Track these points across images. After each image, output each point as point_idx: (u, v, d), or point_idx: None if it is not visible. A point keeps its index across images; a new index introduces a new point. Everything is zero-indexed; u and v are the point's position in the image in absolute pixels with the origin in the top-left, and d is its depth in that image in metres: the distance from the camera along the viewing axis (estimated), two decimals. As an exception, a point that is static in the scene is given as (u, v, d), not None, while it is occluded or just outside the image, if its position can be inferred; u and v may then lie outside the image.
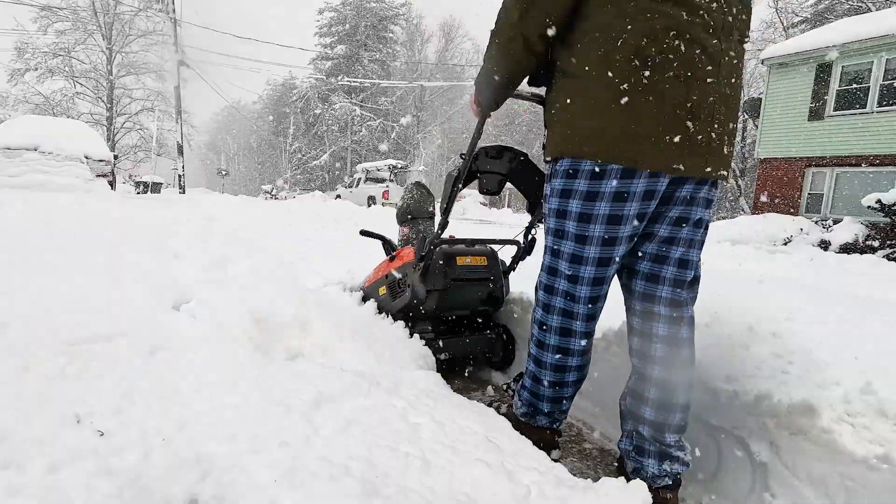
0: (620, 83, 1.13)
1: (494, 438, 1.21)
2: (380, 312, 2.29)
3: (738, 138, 22.00)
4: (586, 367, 1.46)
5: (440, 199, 2.11)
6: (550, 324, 1.40)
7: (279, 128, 42.68)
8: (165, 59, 24.95)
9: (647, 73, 1.12)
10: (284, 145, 41.57)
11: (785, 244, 9.93)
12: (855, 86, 12.09)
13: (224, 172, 34.61)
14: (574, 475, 1.12)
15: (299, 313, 1.81)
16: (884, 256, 8.45)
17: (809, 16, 21.53)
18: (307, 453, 1.01)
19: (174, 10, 20.19)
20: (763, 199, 13.59)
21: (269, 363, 1.45)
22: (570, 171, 1.26)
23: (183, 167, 20.62)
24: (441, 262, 2.11)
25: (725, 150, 1.23)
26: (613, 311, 1.89)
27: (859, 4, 19.13)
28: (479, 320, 2.41)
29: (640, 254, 1.34)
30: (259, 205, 10.95)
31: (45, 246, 2.59)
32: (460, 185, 1.89)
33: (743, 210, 20.23)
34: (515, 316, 2.43)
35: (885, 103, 11.57)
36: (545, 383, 1.45)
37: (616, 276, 1.40)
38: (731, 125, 1.23)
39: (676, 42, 1.11)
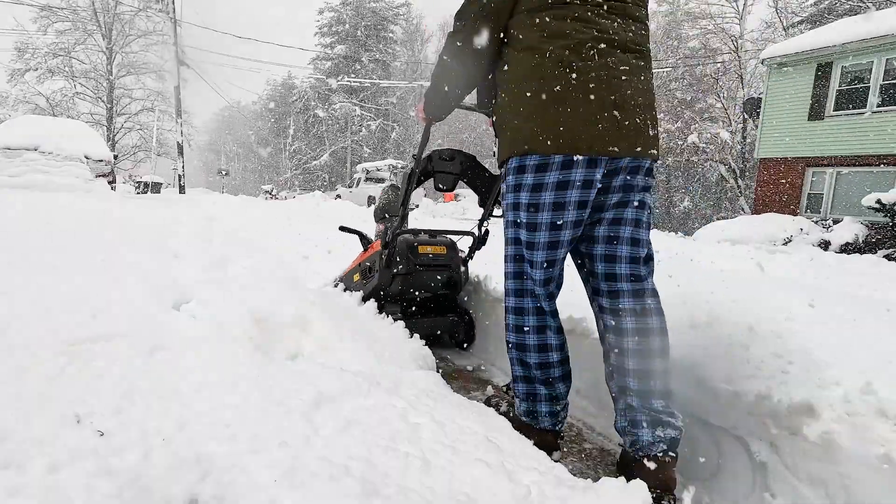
0: (553, 86, 1.35)
1: (494, 438, 1.21)
2: (345, 290, 2.61)
3: (739, 138, 22.01)
4: (565, 346, 1.59)
5: (387, 197, 2.52)
6: (525, 306, 1.53)
7: (279, 128, 42.68)
8: (165, 59, 24.95)
9: (574, 76, 1.34)
10: (284, 145, 41.56)
11: (785, 244, 9.93)
12: (855, 86, 12.08)
13: (224, 172, 34.59)
14: (574, 475, 1.12)
15: (299, 313, 1.81)
16: (884, 256, 8.45)
17: (809, 16, 21.53)
18: (307, 453, 1.01)
19: (174, 10, 20.18)
20: (763, 199, 13.59)
21: (269, 363, 1.44)
22: (519, 167, 1.45)
23: (183, 167, 20.61)
24: (404, 250, 2.41)
25: (650, 132, 1.43)
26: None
27: (859, 4, 19.13)
28: (444, 304, 2.69)
29: (594, 238, 1.50)
30: (259, 205, 10.95)
31: (45, 246, 2.59)
32: (414, 182, 2.21)
33: (743, 210, 20.23)
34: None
35: (885, 103, 11.57)
36: (533, 365, 1.54)
37: (579, 270, 1.59)
38: (650, 112, 1.44)
39: (592, 52, 1.35)
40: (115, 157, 12.19)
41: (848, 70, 12.21)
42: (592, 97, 1.34)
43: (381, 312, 2.28)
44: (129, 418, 1.06)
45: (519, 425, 1.49)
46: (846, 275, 4.63)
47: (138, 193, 17.06)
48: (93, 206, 5.03)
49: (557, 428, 1.58)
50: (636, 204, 1.46)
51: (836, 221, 11.08)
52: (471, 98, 1.83)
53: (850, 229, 10.03)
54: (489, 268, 2.69)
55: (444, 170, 2.34)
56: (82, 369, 1.22)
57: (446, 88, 1.63)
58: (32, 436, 0.96)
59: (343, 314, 2.08)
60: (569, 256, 1.56)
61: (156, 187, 19.79)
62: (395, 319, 2.24)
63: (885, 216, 9.38)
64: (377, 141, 36.17)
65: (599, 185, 1.41)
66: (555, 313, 1.57)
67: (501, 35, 1.47)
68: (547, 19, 1.38)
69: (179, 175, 20.39)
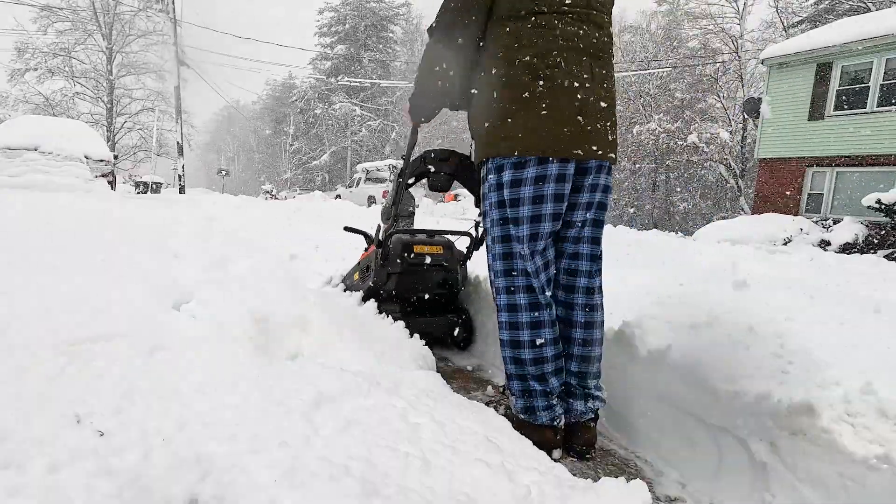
0: (521, 93, 1.46)
1: (494, 438, 1.21)
2: (346, 290, 2.67)
3: (739, 138, 22.01)
4: (559, 341, 1.64)
5: (392, 195, 2.45)
6: (519, 302, 1.58)
7: (279, 128, 42.68)
8: (165, 59, 24.94)
9: (541, 83, 1.44)
10: (284, 145, 41.56)
11: (785, 244, 9.94)
12: (855, 86, 12.08)
13: (224, 172, 34.59)
14: (574, 475, 1.12)
15: (299, 313, 1.81)
16: (884, 256, 8.45)
17: (809, 16, 21.53)
18: (307, 453, 1.01)
19: (174, 10, 20.18)
20: (763, 199, 13.59)
21: (269, 363, 1.44)
22: (498, 166, 1.55)
23: (183, 167, 20.60)
24: (399, 249, 2.43)
25: (610, 137, 1.55)
26: (613, 311, 1.89)
27: (859, 4, 19.13)
28: (443, 303, 2.70)
29: (565, 237, 1.63)
30: (259, 205, 10.95)
31: (45, 246, 2.59)
32: (405, 182, 2.24)
33: (743, 210, 20.23)
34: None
35: (885, 103, 11.57)
36: (528, 361, 1.58)
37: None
38: (611, 119, 1.56)
39: (558, 60, 1.45)
40: (115, 157, 12.18)
41: (848, 70, 12.21)
42: (558, 104, 1.45)
43: (379, 312, 2.30)
44: (129, 418, 1.06)
45: (518, 424, 1.50)
46: (846, 275, 4.63)
47: (138, 193, 17.06)
48: (93, 206, 5.03)
49: (556, 423, 1.60)
50: (598, 205, 1.61)
51: (836, 221, 11.08)
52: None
53: (850, 229, 10.04)
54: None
55: (438, 170, 2.36)
56: (82, 369, 1.22)
57: (427, 86, 1.70)
58: (32, 436, 0.95)
59: (343, 314, 2.08)
60: None
61: (156, 187, 19.79)
62: (395, 319, 2.26)
63: (886, 216, 9.38)
64: (377, 141, 36.16)
65: (570, 183, 1.53)
66: (550, 305, 1.62)
67: (479, 37, 1.57)
68: (517, 27, 1.49)
69: (179, 175, 20.39)
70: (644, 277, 2.61)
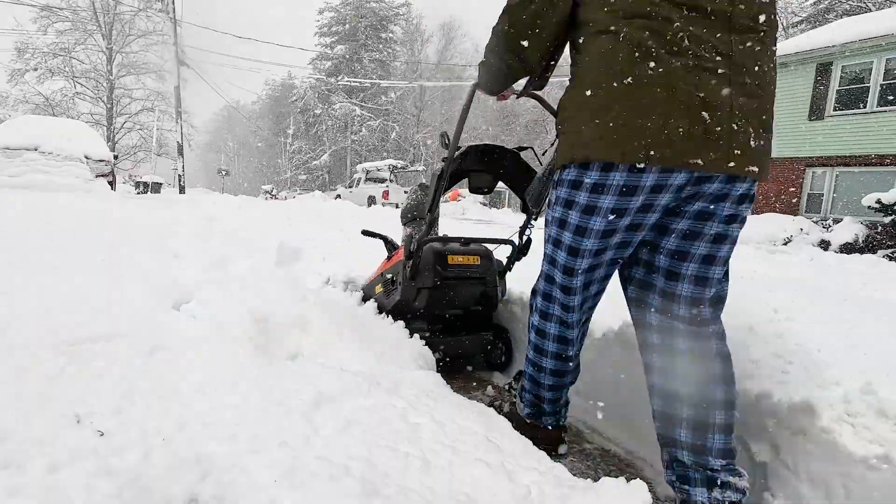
0: (625, 77, 1.09)
1: (494, 438, 1.21)
2: (380, 312, 2.30)
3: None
4: (578, 357, 1.51)
5: (414, 198, 2.17)
6: (548, 331, 1.43)
7: (279, 128, 42.69)
8: (165, 59, 24.96)
9: (651, 64, 1.07)
10: (284, 145, 41.57)
11: (785, 244, 9.93)
12: (855, 86, 12.08)
13: (224, 172, 34.59)
14: (574, 475, 1.12)
15: (299, 313, 1.81)
16: (884, 256, 8.45)
17: (809, 16, 21.52)
18: (307, 453, 1.01)
19: (174, 10, 20.18)
20: (763, 199, 13.59)
21: (269, 363, 1.44)
22: (576, 181, 1.23)
23: (183, 167, 20.61)
24: (431, 261, 2.10)
25: (754, 143, 1.12)
26: (613, 311, 1.89)
27: (859, 4, 19.12)
28: (478, 320, 2.36)
29: (653, 267, 1.29)
30: (259, 205, 10.94)
31: (45, 246, 2.59)
32: (444, 183, 1.85)
33: (743, 210, 20.19)
34: (515, 316, 2.41)
35: (885, 103, 11.57)
36: (545, 386, 1.50)
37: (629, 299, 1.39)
38: (761, 117, 1.13)
39: (679, 34, 1.07)
40: (115, 157, 12.18)
41: (848, 70, 12.22)
42: (674, 92, 1.07)
43: (410, 334, 2.05)
44: (129, 418, 1.06)
45: (521, 424, 1.50)
46: (846, 275, 4.63)
47: (138, 193, 17.06)
48: (93, 206, 5.03)
49: (561, 423, 1.58)
50: (713, 236, 1.20)
51: (836, 221, 11.07)
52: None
53: (850, 229, 10.03)
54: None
55: (481, 168, 2.01)
56: (82, 369, 1.22)
57: (496, 60, 1.36)
58: (32, 436, 0.95)
59: (343, 314, 2.07)
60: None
61: (156, 187, 19.79)
62: (422, 337, 2.04)
63: (886, 216, 9.38)
64: (377, 141, 36.16)
65: (669, 205, 1.19)
66: (581, 326, 1.45)
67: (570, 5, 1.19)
68: None
69: (179, 175, 20.39)
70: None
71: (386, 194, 17.55)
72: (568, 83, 1.27)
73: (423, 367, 1.82)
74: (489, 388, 2.21)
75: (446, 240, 2.22)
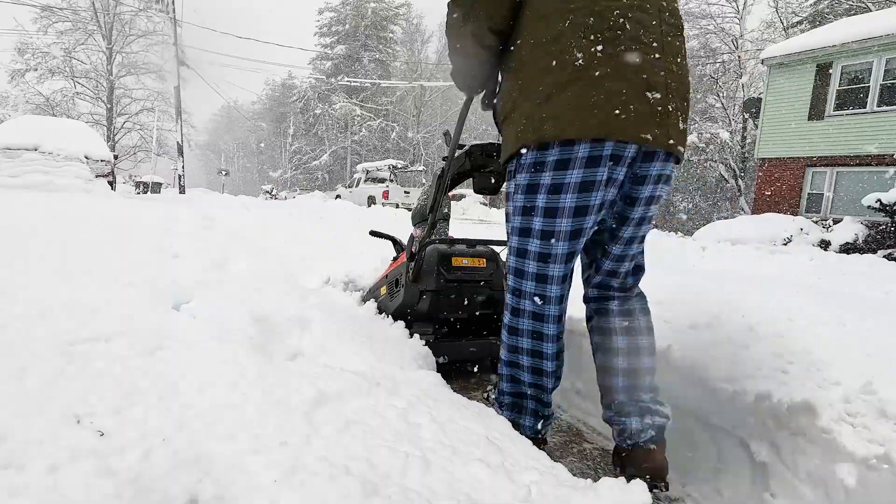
0: (575, 59, 1.15)
1: (494, 438, 1.21)
2: (380, 313, 2.28)
3: (739, 138, 22.00)
4: (561, 355, 1.45)
5: (425, 199, 2.06)
6: (523, 308, 1.39)
7: (279, 128, 42.71)
8: (165, 59, 24.97)
9: (599, 48, 1.14)
10: (284, 145, 41.59)
11: (785, 244, 9.93)
12: (855, 86, 12.09)
13: (224, 172, 34.60)
14: (574, 475, 1.12)
15: (299, 313, 1.81)
16: (884, 256, 8.45)
17: (809, 16, 21.53)
18: (307, 453, 1.01)
19: (174, 11, 20.19)
20: (763, 199, 13.59)
21: (269, 363, 1.44)
22: (535, 163, 1.25)
23: (183, 167, 20.62)
24: (434, 263, 2.05)
25: (681, 125, 1.23)
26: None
27: (859, 4, 19.13)
28: (484, 324, 2.31)
29: (616, 236, 1.37)
30: (259, 204, 10.95)
31: (45, 246, 2.59)
32: (446, 183, 1.81)
33: (743, 210, 20.22)
34: None
35: (885, 103, 11.58)
36: (525, 383, 1.45)
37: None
38: (685, 102, 1.24)
39: (621, 20, 1.14)
40: (116, 157, 12.18)
41: (848, 70, 12.22)
42: (623, 73, 1.14)
43: (411, 335, 2.02)
44: (129, 418, 1.06)
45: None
46: (846, 275, 4.63)
47: (138, 193, 17.06)
48: (93, 206, 5.03)
49: (541, 435, 1.50)
50: (657, 200, 1.32)
51: (836, 221, 11.09)
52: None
53: (850, 229, 10.04)
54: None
55: (486, 167, 1.95)
56: (82, 369, 1.22)
57: (463, 66, 1.42)
58: (32, 436, 0.95)
59: (343, 314, 2.07)
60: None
61: (156, 187, 19.79)
62: (426, 342, 1.99)
63: (886, 216, 9.38)
64: (377, 141, 36.17)
65: (630, 173, 1.24)
66: (558, 318, 1.41)
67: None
68: None
69: (180, 175, 20.40)
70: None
71: (386, 194, 17.54)
72: (502, 75, 1.33)
73: (424, 367, 1.82)
74: (489, 388, 2.21)
75: (450, 241, 2.17)
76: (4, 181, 7.46)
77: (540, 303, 1.36)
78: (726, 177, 21.80)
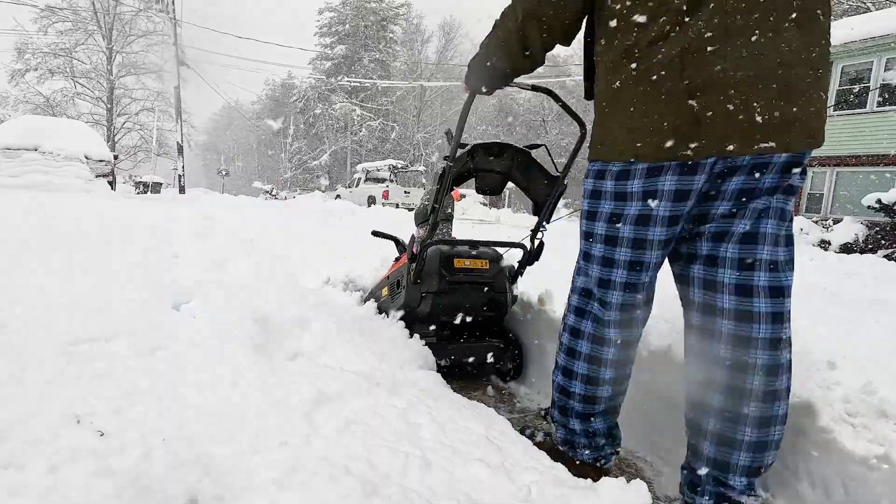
0: (613, 82, 1.11)
1: (494, 438, 1.21)
2: (380, 313, 2.28)
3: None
4: (624, 382, 1.35)
5: (428, 199, 2.01)
6: (584, 330, 1.31)
7: (279, 128, 42.72)
8: (165, 59, 24.97)
9: (633, 66, 1.07)
10: (284, 145, 41.60)
11: (785, 244, 9.91)
12: (855, 86, 12.09)
13: (224, 172, 34.61)
14: (574, 475, 1.12)
15: (299, 313, 1.81)
16: (884, 256, 8.45)
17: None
18: (307, 453, 1.01)
19: (174, 11, 20.19)
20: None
21: (269, 363, 1.44)
22: (598, 171, 1.22)
23: (183, 167, 20.62)
24: (436, 264, 2.03)
25: (764, 117, 1.01)
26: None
27: (859, 4, 19.13)
28: (487, 327, 2.29)
29: (694, 257, 1.20)
30: (259, 205, 10.95)
31: (45, 246, 2.59)
32: (449, 183, 1.79)
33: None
34: (526, 322, 2.32)
35: (885, 103, 11.58)
36: (576, 398, 1.34)
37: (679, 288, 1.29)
38: (771, 86, 1.00)
39: (668, 27, 1.03)
40: (115, 157, 12.18)
41: (848, 70, 12.23)
42: (655, 89, 1.05)
43: (410, 335, 2.01)
44: (129, 418, 1.06)
45: (556, 455, 1.33)
46: (846, 275, 4.63)
47: (138, 193, 17.06)
48: (93, 206, 5.03)
49: (600, 465, 1.39)
50: (757, 213, 1.10)
51: (836, 221, 11.08)
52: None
53: (850, 229, 10.03)
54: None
55: (489, 168, 1.90)
56: (82, 369, 1.22)
57: (493, 64, 1.32)
58: (32, 436, 0.95)
59: (343, 314, 2.08)
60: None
61: (156, 187, 19.79)
62: (427, 343, 1.99)
63: (886, 216, 9.38)
64: (377, 141, 36.18)
65: (702, 192, 1.12)
66: (624, 345, 1.30)
67: None
68: None
69: (180, 175, 20.40)
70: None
71: (386, 194, 17.53)
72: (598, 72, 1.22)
73: (424, 367, 1.82)
74: (489, 388, 2.21)
75: (453, 242, 2.14)
76: (4, 181, 7.46)
77: (601, 307, 1.29)
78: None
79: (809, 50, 1.02)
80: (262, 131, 46.91)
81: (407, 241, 2.52)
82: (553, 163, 2.01)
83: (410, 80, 35.70)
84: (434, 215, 1.87)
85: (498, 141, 1.96)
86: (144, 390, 1.17)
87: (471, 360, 2.17)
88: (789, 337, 1.13)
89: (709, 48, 1.01)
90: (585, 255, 1.31)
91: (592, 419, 1.35)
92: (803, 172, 1.11)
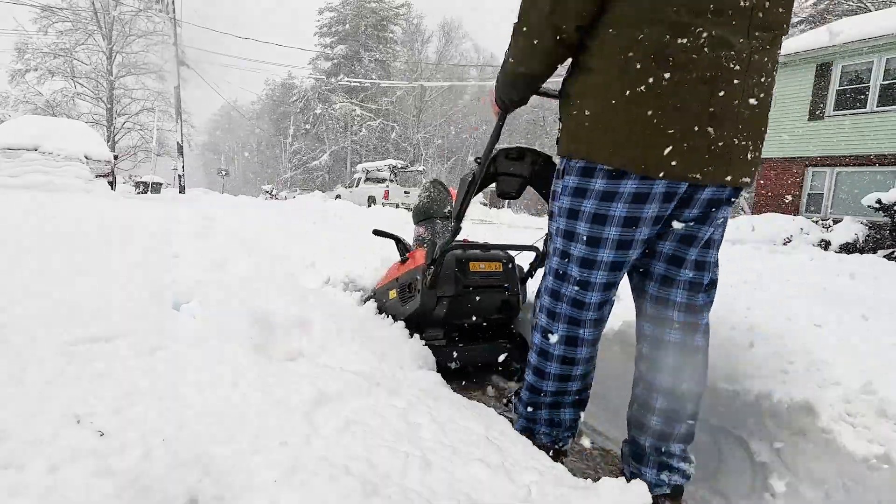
0: (638, 85, 1.07)
1: (494, 438, 1.21)
2: (386, 315, 2.26)
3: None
4: (589, 376, 1.41)
5: (454, 203, 1.98)
6: (556, 332, 1.33)
7: (279, 128, 42.73)
8: (165, 59, 24.97)
9: (667, 76, 1.05)
10: (284, 145, 41.60)
11: (785, 244, 9.92)
12: (855, 86, 12.09)
13: (224, 172, 34.61)
14: (574, 475, 1.12)
15: (299, 313, 1.81)
16: (884, 256, 8.45)
17: (809, 16, 21.52)
18: (307, 453, 1.00)
19: (174, 11, 20.19)
20: (763, 199, 13.59)
21: (269, 363, 1.44)
22: (586, 169, 1.20)
23: (183, 167, 20.62)
24: (452, 268, 2.05)
25: (750, 155, 1.15)
26: (613, 311, 1.89)
27: (859, 4, 19.13)
28: (498, 328, 2.31)
29: (655, 254, 1.28)
30: (259, 204, 10.95)
31: (45, 246, 2.59)
32: (475, 189, 1.79)
33: (743, 210, 20.22)
34: (530, 323, 2.34)
35: (885, 103, 11.58)
36: (547, 393, 1.39)
37: (627, 277, 1.36)
38: (759, 129, 1.15)
39: (701, 41, 1.03)
40: (116, 157, 12.18)
41: (848, 70, 12.23)
42: (685, 108, 1.06)
43: (421, 337, 2.03)
44: (129, 418, 1.06)
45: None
46: (846, 275, 4.63)
47: (138, 193, 17.06)
48: (93, 206, 5.03)
49: (558, 446, 1.45)
50: (716, 220, 1.23)
51: (836, 221, 11.07)
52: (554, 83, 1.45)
53: (850, 229, 10.02)
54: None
55: (510, 171, 1.93)
56: (82, 369, 1.22)
57: (526, 67, 1.27)
58: (32, 436, 0.95)
59: (343, 314, 2.07)
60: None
61: (156, 187, 19.79)
62: (437, 344, 2.00)
63: (886, 216, 9.38)
64: (377, 141, 36.19)
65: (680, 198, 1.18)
66: (594, 342, 1.37)
67: None
68: None
69: (180, 175, 20.41)
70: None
71: (386, 194, 17.54)
72: (576, 68, 1.21)
73: (424, 367, 1.82)
74: (489, 388, 2.21)
75: (468, 246, 2.17)
76: (4, 181, 7.46)
77: (578, 309, 1.32)
78: (726, 177, 21.77)
79: (771, 96, 1.18)
80: (262, 131, 46.91)
81: (407, 239, 2.53)
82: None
83: (410, 80, 35.70)
84: (458, 221, 1.86)
85: (519, 145, 1.98)
86: (144, 390, 1.17)
87: (481, 361, 2.18)
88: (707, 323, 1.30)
89: (735, 81, 1.07)
90: (563, 255, 1.30)
91: (562, 410, 1.42)
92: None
